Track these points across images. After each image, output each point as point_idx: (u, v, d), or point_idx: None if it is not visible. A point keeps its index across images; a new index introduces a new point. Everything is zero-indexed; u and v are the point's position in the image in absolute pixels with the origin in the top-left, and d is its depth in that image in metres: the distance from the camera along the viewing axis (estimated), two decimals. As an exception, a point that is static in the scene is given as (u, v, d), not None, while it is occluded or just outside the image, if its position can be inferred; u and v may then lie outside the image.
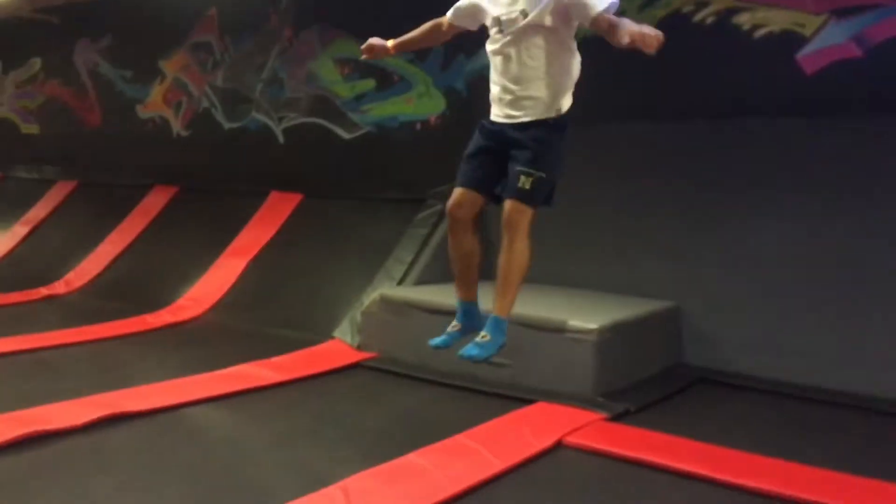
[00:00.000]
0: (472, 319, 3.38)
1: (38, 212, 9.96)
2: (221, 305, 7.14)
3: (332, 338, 6.10)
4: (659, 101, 6.11)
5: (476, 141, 3.34)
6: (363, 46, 3.65)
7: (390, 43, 3.61)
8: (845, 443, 4.08)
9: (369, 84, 7.85)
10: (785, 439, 4.07)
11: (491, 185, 3.28)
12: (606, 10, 2.87)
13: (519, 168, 3.11)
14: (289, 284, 7.12)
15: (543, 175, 3.02)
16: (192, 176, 9.13)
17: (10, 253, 9.42)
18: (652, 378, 5.15)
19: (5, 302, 7.57)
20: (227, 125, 9.02)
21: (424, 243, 6.60)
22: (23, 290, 7.97)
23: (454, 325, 3.39)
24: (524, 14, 3.06)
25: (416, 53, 7.32)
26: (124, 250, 8.56)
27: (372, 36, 3.78)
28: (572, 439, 4.01)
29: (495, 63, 3.23)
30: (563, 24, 3.06)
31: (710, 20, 5.95)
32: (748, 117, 5.67)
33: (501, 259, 3.21)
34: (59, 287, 8.18)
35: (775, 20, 5.70)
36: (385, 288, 6.14)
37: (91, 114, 10.44)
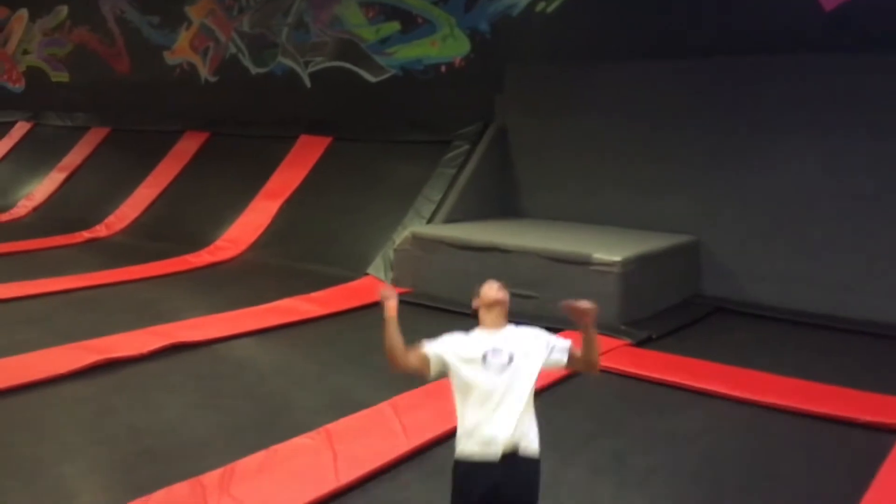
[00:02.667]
0: None
1: (74, 158, 10.26)
2: (258, 245, 7.46)
3: (366, 274, 6.41)
4: (678, 38, 6.21)
5: None
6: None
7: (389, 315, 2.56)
8: (853, 363, 4.36)
9: (394, 27, 7.96)
10: (796, 360, 4.34)
11: None
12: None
13: None
14: (322, 224, 7.40)
15: None
16: (222, 121, 9.37)
17: (50, 198, 9.75)
18: (672, 307, 5.43)
19: (50, 245, 7.91)
20: (254, 70, 9.20)
21: (452, 183, 6.83)
22: (65, 234, 8.31)
23: None
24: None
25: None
26: (161, 194, 8.87)
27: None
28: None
29: None
30: None
31: (731, -43, 6.02)
32: (766, 54, 5.77)
33: None
34: (100, 230, 8.52)
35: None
36: (415, 226, 6.41)
37: (119, 60, 10.63)
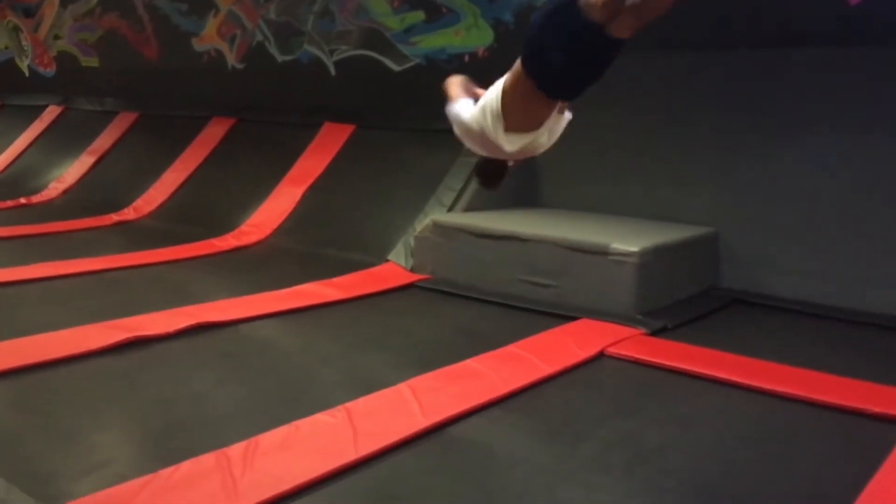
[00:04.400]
0: None
1: (103, 142, 10.46)
2: (282, 230, 7.60)
3: (387, 261, 6.52)
4: (701, 30, 6.23)
5: None
6: None
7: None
8: (866, 355, 4.40)
9: (418, 16, 8.04)
10: (810, 352, 4.40)
11: None
12: None
13: None
14: (344, 211, 7.52)
15: None
16: (249, 108, 9.51)
17: (80, 181, 9.96)
18: (689, 298, 5.49)
19: (80, 227, 8.10)
20: (280, 58, 9.32)
21: (473, 172, 6.90)
22: (94, 216, 8.51)
23: None
24: None
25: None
26: (188, 178, 9.03)
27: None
28: (613, 350, 4.39)
29: None
30: None
31: (756, -50, 6.03)
32: (790, 47, 5.79)
33: None
34: (128, 213, 8.71)
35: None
36: (436, 214, 6.51)
37: (148, 46, 10.80)
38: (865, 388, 3.77)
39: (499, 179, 3.29)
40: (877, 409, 3.52)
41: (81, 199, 9.43)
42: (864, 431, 3.41)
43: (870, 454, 3.12)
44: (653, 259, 5.16)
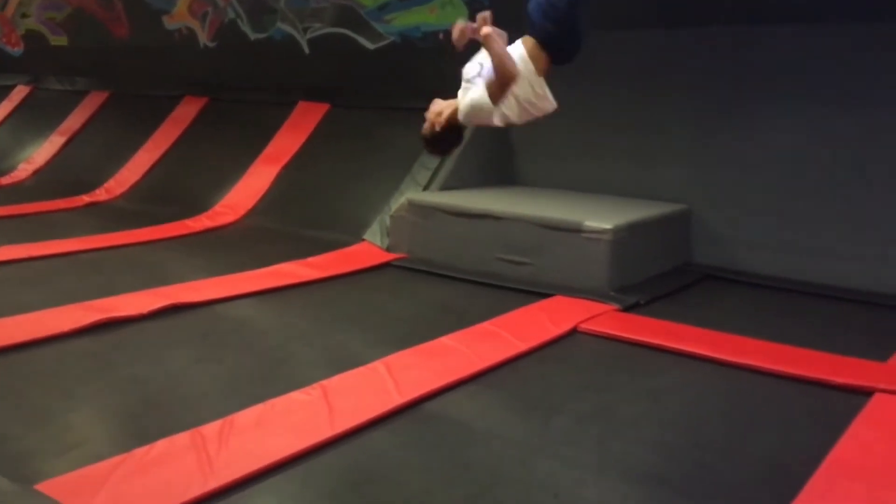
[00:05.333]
0: None
1: (74, 122, 10.30)
2: (257, 210, 7.57)
3: (363, 240, 6.52)
4: (672, 7, 6.25)
5: None
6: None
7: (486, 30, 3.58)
8: (833, 328, 4.51)
9: (393, -6, 7.98)
10: (779, 326, 4.48)
11: None
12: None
13: None
14: (320, 190, 7.50)
15: None
16: (221, 86, 9.41)
17: (50, 162, 9.82)
18: (662, 275, 5.56)
19: (51, 208, 8.00)
20: (252, 36, 9.21)
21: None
22: (66, 198, 8.41)
23: None
24: None
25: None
26: (160, 159, 8.94)
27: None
28: (587, 326, 4.45)
29: None
30: None
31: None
32: (761, 23, 5.83)
33: None
34: (100, 194, 8.61)
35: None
36: (412, 193, 6.51)
37: (118, 25, 10.62)
38: (829, 360, 3.87)
39: (450, 146, 3.74)
40: (839, 380, 3.61)
41: (52, 180, 9.30)
42: (828, 401, 3.50)
43: (833, 423, 3.20)
44: (626, 236, 5.21)
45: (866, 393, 3.50)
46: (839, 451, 2.96)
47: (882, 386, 3.53)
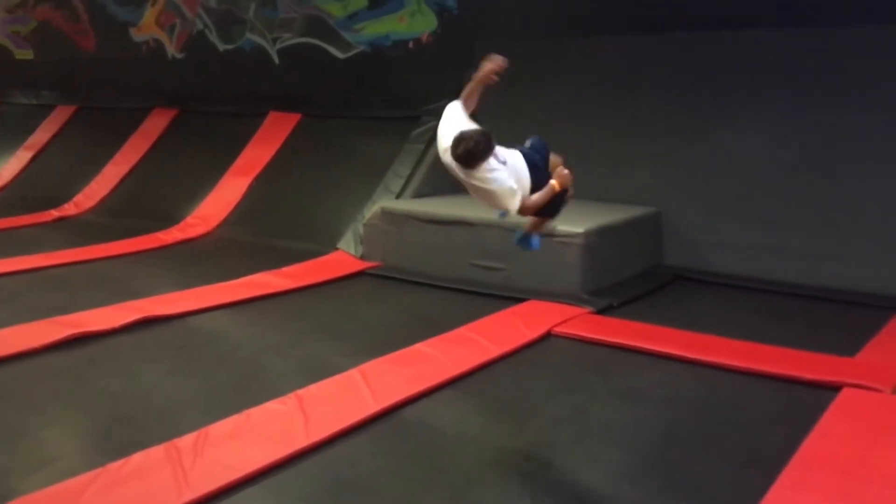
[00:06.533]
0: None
1: (41, 136, 10.18)
2: (229, 222, 7.53)
3: (336, 249, 6.51)
4: (639, 13, 6.35)
5: None
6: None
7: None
8: (802, 326, 4.59)
9: (362, 2, 8.00)
10: (749, 325, 4.54)
11: None
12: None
13: None
14: (292, 200, 7.48)
15: None
16: (191, 98, 9.36)
17: (17, 177, 9.69)
18: (634, 277, 5.62)
19: (18, 224, 7.90)
20: (221, 47, 9.18)
21: (420, 158, 6.94)
22: (34, 213, 8.30)
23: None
24: None
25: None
26: (130, 171, 8.87)
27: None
28: (560, 329, 4.48)
29: None
30: None
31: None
32: (726, 28, 5.93)
33: None
34: (69, 208, 8.52)
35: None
36: (385, 201, 6.52)
37: (85, 38, 10.53)
38: (799, 357, 3.93)
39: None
40: (809, 376, 3.67)
41: (19, 195, 9.17)
42: (798, 397, 3.55)
43: (803, 418, 3.26)
44: (598, 239, 5.27)
45: (835, 388, 3.57)
46: (810, 445, 3.02)
47: (850, 380, 3.60)
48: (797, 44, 5.58)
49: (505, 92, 6.80)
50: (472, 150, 3.10)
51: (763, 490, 2.70)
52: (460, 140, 3.12)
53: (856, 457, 2.93)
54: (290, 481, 2.86)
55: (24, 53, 11.40)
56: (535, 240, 3.61)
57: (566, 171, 3.29)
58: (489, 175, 3.13)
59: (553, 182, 3.21)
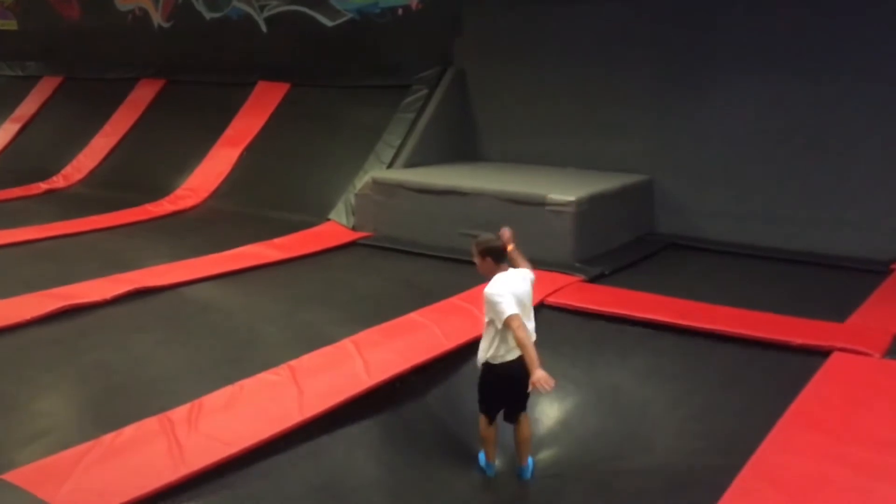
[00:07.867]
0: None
1: (27, 108, 10.05)
2: (219, 193, 7.48)
3: (328, 220, 6.49)
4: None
5: None
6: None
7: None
8: (792, 292, 4.61)
9: (349, -31, 7.88)
10: (740, 291, 4.56)
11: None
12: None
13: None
14: (283, 171, 7.43)
15: None
16: (178, 68, 9.24)
17: (5, 150, 9.58)
18: (626, 245, 5.63)
19: (7, 197, 7.83)
20: (208, 15, 9.04)
21: (411, 127, 6.89)
22: (22, 186, 8.22)
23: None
24: None
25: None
26: (118, 143, 8.78)
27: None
28: (553, 299, 4.48)
29: None
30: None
31: None
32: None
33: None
34: (58, 181, 8.45)
35: None
36: (376, 171, 6.48)
37: (69, 6, 10.35)
38: (790, 323, 3.95)
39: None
40: (800, 341, 3.70)
41: (7, 168, 9.07)
42: (789, 362, 3.58)
43: (793, 381, 3.29)
44: (589, 208, 5.26)
45: (825, 352, 3.59)
46: (799, 406, 3.05)
47: (840, 345, 3.63)
48: (787, 13, 5.53)
49: (496, 63, 6.86)
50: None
51: (752, 449, 2.73)
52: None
53: (844, 418, 2.97)
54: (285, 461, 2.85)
55: (8, 24, 11.21)
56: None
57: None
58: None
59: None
